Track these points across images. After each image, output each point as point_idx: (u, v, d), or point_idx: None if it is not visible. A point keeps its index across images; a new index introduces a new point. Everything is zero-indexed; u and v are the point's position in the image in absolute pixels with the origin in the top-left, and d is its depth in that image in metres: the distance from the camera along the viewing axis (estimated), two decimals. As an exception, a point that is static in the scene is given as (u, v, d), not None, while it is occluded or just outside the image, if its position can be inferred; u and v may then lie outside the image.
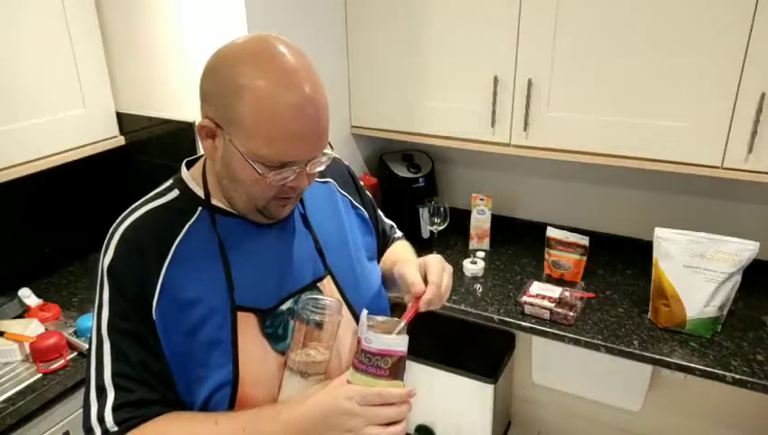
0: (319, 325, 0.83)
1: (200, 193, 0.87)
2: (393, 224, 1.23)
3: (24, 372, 1.42)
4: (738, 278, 1.55)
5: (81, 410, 0.81)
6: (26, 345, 1.45)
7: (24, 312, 1.64)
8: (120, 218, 0.85)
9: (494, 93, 1.78)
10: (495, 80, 1.77)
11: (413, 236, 2.15)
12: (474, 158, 2.20)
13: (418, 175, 2.13)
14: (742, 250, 1.53)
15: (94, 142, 1.72)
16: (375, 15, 1.92)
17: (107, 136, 1.75)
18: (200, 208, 0.85)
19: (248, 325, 0.83)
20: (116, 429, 0.77)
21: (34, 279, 1.80)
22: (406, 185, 2.11)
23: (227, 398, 0.82)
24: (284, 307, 0.87)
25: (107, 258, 0.81)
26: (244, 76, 0.74)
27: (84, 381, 0.82)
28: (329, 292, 0.92)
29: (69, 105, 1.63)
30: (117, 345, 0.79)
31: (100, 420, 0.78)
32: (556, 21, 1.64)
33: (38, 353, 1.41)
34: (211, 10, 1.57)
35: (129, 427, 0.78)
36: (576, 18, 1.62)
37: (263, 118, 0.74)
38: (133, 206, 0.86)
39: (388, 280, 1.05)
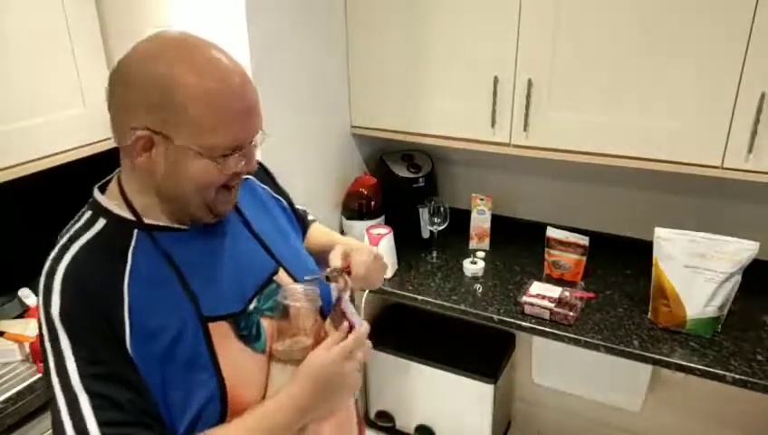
0: (283, 312, 0.86)
1: (127, 215, 0.82)
2: (305, 209, 1.25)
3: (24, 372, 1.42)
4: (738, 278, 1.55)
5: None
6: (26, 345, 1.45)
7: (23, 312, 1.64)
8: (49, 264, 0.78)
9: (494, 93, 1.78)
10: (495, 80, 1.77)
11: (413, 236, 2.15)
12: (474, 158, 2.20)
13: (418, 175, 2.13)
14: (742, 250, 1.52)
15: (94, 142, 1.71)
16: (375, 16, 1.92)
17: (107, 136, 1.74)
18: (136, 231, 0.81)
19: (222, 334, 0.82)
20: None
21: (34, 279, 1.79)
22: (406, 185, 2.11)
23: (217, 413, 0.80)
24: (251, 307, 0.87)
25: (54, 307, 0.74)
26: (172, 73, 0.74)
27: None
28: (286, 283, 0.93)
29: (68, 105, 1.63)
30: (97, 394, 0.73)
31: None
32: (556, 21, 1.64)
33: (38, 353, 1.41)
34: (211, 9, 1.57)
35: None
36: (576, 18, 1.62)
37: (208, 107, 0.75)
38: (59, 247, 0.80)
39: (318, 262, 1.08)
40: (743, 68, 1.48)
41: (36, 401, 1.35)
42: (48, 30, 1.56)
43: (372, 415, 2.41)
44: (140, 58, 0.76)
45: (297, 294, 0.87)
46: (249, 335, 0.85)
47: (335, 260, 0.98)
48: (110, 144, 1.79)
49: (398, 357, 2.21)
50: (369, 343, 0.90)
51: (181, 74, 0.74)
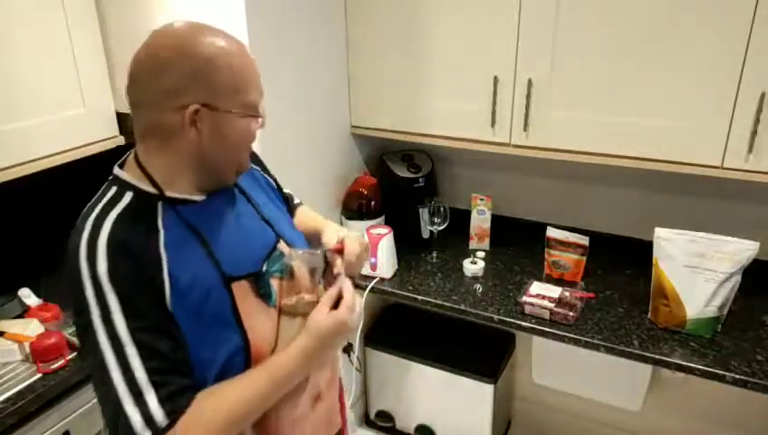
0: (290, 273, 0.99)
1: (151, 190, 0.91)
2: (290, 191, 1.33)
3: (24, 372, 1.41)
4: (738, 278, 1.55)
5: (108, 430, 0.83)
6: (26, 345, 1.45)
7: (23, 312, 1.64)
8: (89, 229, 0.85)
9: (494, 93, 1.78)
10: (495, 80, 1.77)
11: (413, 236, 2.15)
12: (474, 158, 2.20)
13: (418, 175, 2.13)
14: (742, 250, 1.53)
15: (94, 142, 1.71)
16: (375, 16, 1.92)
17: (107, 136, 1.75)
18: (160, 203, 0.90)
19: (245, 293, 0.92)
20: (167, 422, 0.80)
21: (34, 279, 1.80)
22: (406, 185, 2.11)
23: (242, 363, 0.90)
24: (264, 269, 0.98)
25: (101, 267, 0.81)
26: (207, 53, 0.86)
27: (101, 396, 0.82)
28: (287, 250, 1.05)
29: (69, 105, 1.63)
30: (144, 345, 0.81)
31: (148, 421, 0.80)
32: (556, 21, 1.64)
33: (38, 353, 1.41)
34: (211, 8, 1.57)
35: (176, 417, 0.81)
36: (576, 18, 1.62)
37: (241, 74, 0.89)
38: (94, 216, 0.87)
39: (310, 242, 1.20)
40: (743, 68, 1.48)
41: (36, 401, 1.35)
42: (48, 30, 1.56)
43: (372, 415, 2.42)
44: (170, 46, 0.87)
45: (302, 257, 0.99)
46: (266, 294, 0.96)
47: (331, 243, 1.11)
48: (110, 144, 1.80)
49: (398, 357, 2.21)
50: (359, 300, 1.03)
51: (214, 52, 0.87)
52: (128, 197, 0.89)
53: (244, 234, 0.99)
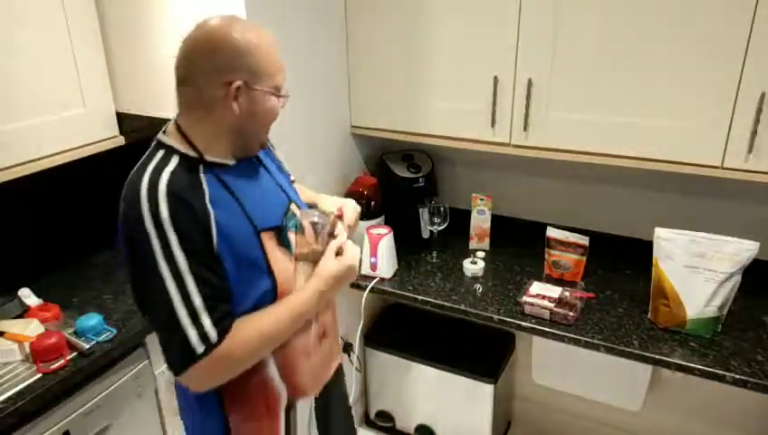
0: (301, 228, 1.17)
1: (192, 154, 1.06)
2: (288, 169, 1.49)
3: (24, 372, 1.41)
4: (738, 278, 1.55)
5: (165, 350, 1.02)
6: (26, 345, 1.45)
7: (23, 312, 1.64)
8: (147, 183, 0.99)
9: (494, 93, 1.78)
10: (495, 80, 1.77)
11: (413, 236, 2.15)
12: (474, 158, 2.20)
13: (418, 175, 2.13)
14: (742, 250, 1.52)
15: (94, 142, 1.71)
16: (375, 16, 1.92)
17: (107, 136, 1.75)
18: (201, 166, 1.06)
19: (272, 242, 1.10)
20: (217, 339, 0.99)
21: (34, 279, 1.80)
22: (406, 185, 2.11)
23: (271, 301, 1.09)
24: (283, 223, 1.15)
25: (163, 212, 0.97)
26: (246, 39, 1.03)
27: (160, 319, 1.00)
28: (298, 211, 1.23)
29: (69, 105, 1.63)
30: (200, 276, 0.99)
31: (203, 338, 0.98)
32: (556, 21, 1.64)
33: (38, 353, 1.41)
34: (211, 8, 1.57)
35: (224, 336, 1.00)
36: (576, 18, 1.62)
37: (270, 58, 1.07)
38: (150, 172, 1.01)
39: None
40: (743, 68, 1.48)
41: (36, 401, 1.35)
42: (48, 30, 1.56)
43: (372, 415, 2.42)
44: (220, 33, 1.03)
45: (312, 216, 1.18)
46: (287, 244, 1.14)
47: (330, 208, 1.31)
48: (110, 144, 1.80)
49: (398, 357, 2.21)
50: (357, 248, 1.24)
51: (256, 40, 1.04)
52: (175, 159, 1.04)
53: (266, 194, 1.17)
